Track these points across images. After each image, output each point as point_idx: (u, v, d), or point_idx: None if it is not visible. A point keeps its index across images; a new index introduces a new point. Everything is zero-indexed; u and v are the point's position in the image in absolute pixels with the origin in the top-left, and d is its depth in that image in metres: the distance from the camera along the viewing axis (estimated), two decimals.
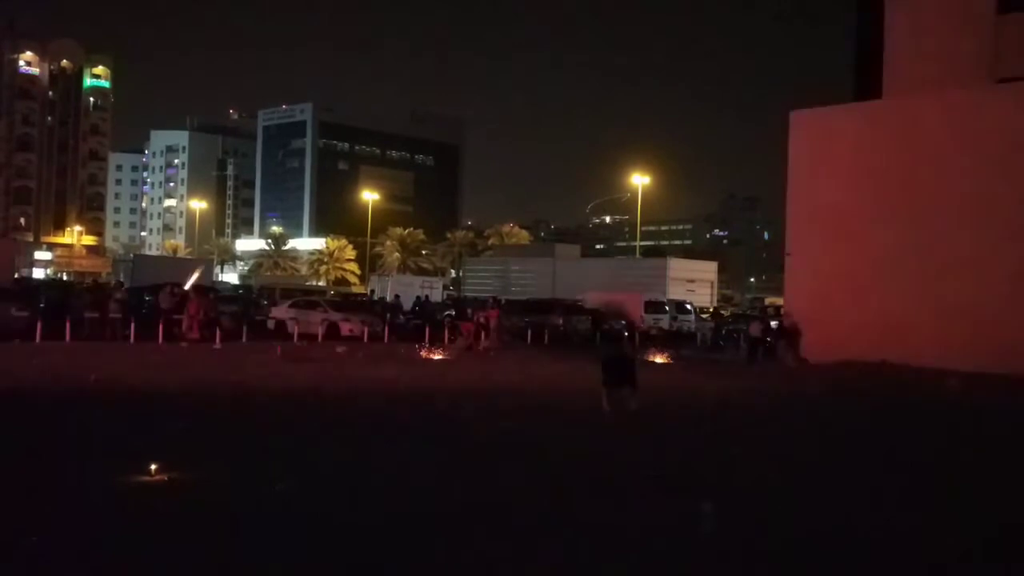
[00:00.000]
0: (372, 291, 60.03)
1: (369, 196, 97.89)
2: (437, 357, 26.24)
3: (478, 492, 8.98)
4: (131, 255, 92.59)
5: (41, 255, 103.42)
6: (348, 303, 43.96)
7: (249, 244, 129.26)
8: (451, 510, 8.23)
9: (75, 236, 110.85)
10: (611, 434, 13.36)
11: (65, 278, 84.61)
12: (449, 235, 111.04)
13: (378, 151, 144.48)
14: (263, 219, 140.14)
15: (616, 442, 12.62)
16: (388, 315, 38.63)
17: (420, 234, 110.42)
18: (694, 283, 55.23)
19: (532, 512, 8.24)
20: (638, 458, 11.37)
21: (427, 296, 49.79)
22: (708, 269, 60.28)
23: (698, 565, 6.90)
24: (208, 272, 63.14)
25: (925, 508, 9.17)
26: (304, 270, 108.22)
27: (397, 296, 47.83)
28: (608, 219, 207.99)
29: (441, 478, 9.57)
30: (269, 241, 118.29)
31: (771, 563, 7.04)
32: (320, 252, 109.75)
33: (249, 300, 43.81)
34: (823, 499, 9.42)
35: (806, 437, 14.10)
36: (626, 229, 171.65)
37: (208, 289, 39.63)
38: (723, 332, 41.25)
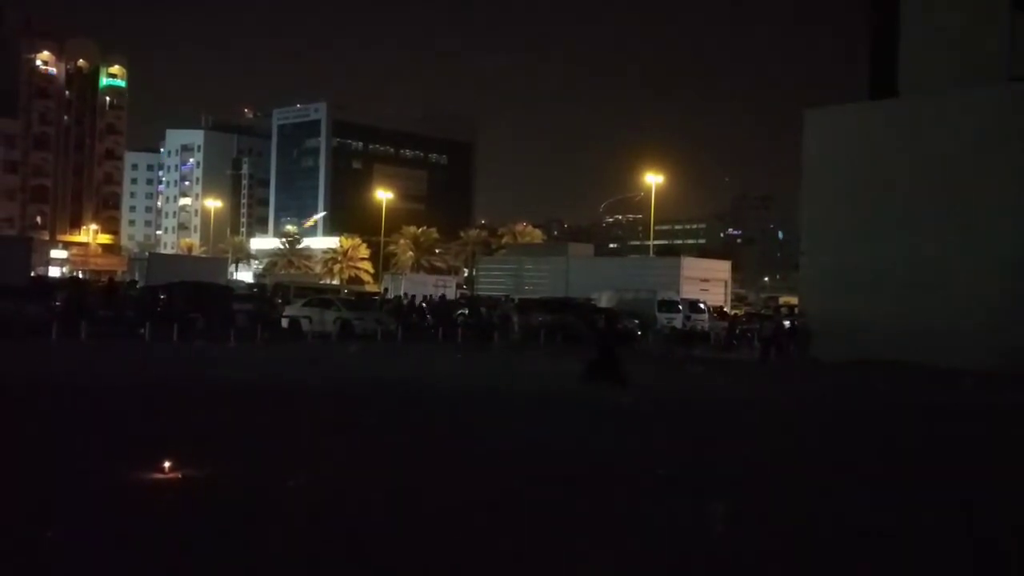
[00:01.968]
0: (386, 289, 60.12)
1: (383, 195, 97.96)
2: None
3: (484, 491, 9.02)
4: (146, 254, 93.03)
5: (57, 253, 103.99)
6: (362, 302, 44.10)
7: (264, 243, 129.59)
8: (461, 507, 8.26)
9: (91, 235, 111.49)
10: (599, 430, 13.39)
11: (81, 276, 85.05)
12: (462, 234, 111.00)
13: (392, 150, 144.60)
14: (277, 218, 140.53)
15: (605, 438, 12.65)
16: (410, 314, 38.85)
17: (433, 233, 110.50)
18: (708, 282, 55.01)
19: (539, 509, 8.28)
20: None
21: (443, 295, 49.81)
22: (722, 268, 60.02)
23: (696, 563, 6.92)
24: (222, 270, 63.41)
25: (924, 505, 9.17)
26: (318, 269, 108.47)
27: (414, 296, 47.87)
28: (621, 218, 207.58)
29: (449, 477, 9.61)
30: (284, 240, 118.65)
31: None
32: (334, 251, 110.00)
33: (264, 299, 43.95)
34: (819, 499, 9.42)
35: (805, 437, 14.09)
36: (640, 228, 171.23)
37: (223, 288, 39.83)
38: (736, 332, 41.19)
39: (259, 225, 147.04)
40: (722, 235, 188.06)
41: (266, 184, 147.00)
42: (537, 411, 15.25)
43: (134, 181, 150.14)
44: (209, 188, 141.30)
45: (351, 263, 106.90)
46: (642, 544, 7.29)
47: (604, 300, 44.36)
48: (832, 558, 7.18)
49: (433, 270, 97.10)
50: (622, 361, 17.75)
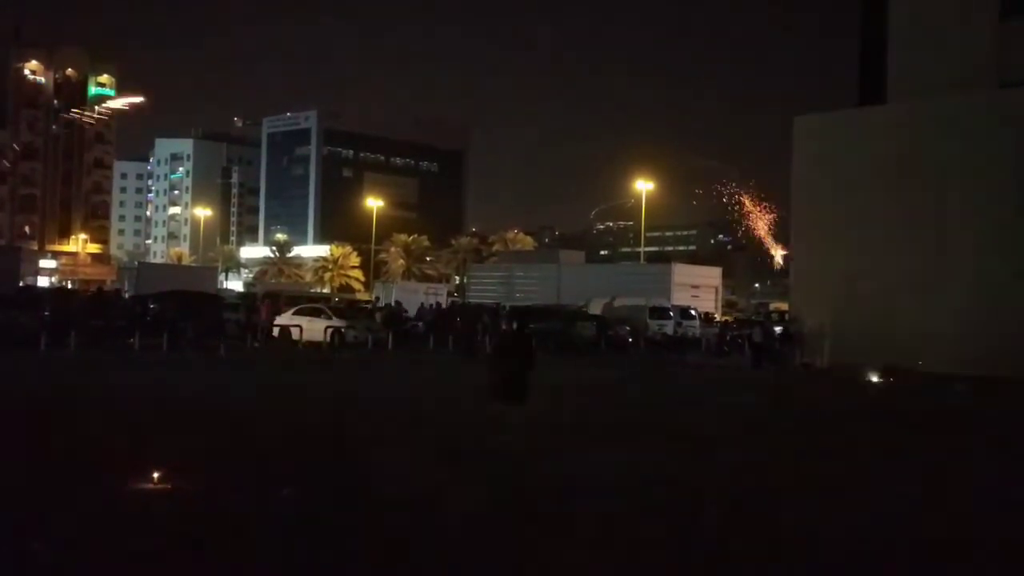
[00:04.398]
0: (377, 297, 59.86)
1: (373, 203, 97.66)
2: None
3: (475, 499, 8.97)
4: (135, 263, 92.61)
5: (46, 263, 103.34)
6: (353, 310, 43.90)
7: (254, 251, 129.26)
8: (451, 519, 8.20)
9: (80, 244, 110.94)
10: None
11: (70, 286, 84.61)
12: (453, 242, 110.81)
13: (382, 158, 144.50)
14: (267, 227, 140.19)
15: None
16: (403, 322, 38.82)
17: (424, 241, 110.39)
18: (699, 289, 54.99)
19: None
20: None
21: (436, 303, 49.61)
22: (712, 275, 60.07)
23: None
24: (212, 279, 63.08)
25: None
26: (309, 277, 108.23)
27: (399, 302, 47.60)
28: (612, 225, 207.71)
29: (441, 487, 9.55)
30: (274, 248, 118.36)
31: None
32: (325, 259, 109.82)
33: (253, 308, 43.70)
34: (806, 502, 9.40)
35: (804, 440, 14.06)
36: (631, 235, 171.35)
37: (212, 297, 39.57)
38: (728, 338, 41.19)
39: (249, 234, 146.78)
40: (713, 241, 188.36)
41: (256, 193, 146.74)
42: None
43: (123, 190, 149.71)
44: (199, 197, 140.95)
45: (342, 271, 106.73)
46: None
47: (593, 307, 44.31)
48: None
49: (424, 278, 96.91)
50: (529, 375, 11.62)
